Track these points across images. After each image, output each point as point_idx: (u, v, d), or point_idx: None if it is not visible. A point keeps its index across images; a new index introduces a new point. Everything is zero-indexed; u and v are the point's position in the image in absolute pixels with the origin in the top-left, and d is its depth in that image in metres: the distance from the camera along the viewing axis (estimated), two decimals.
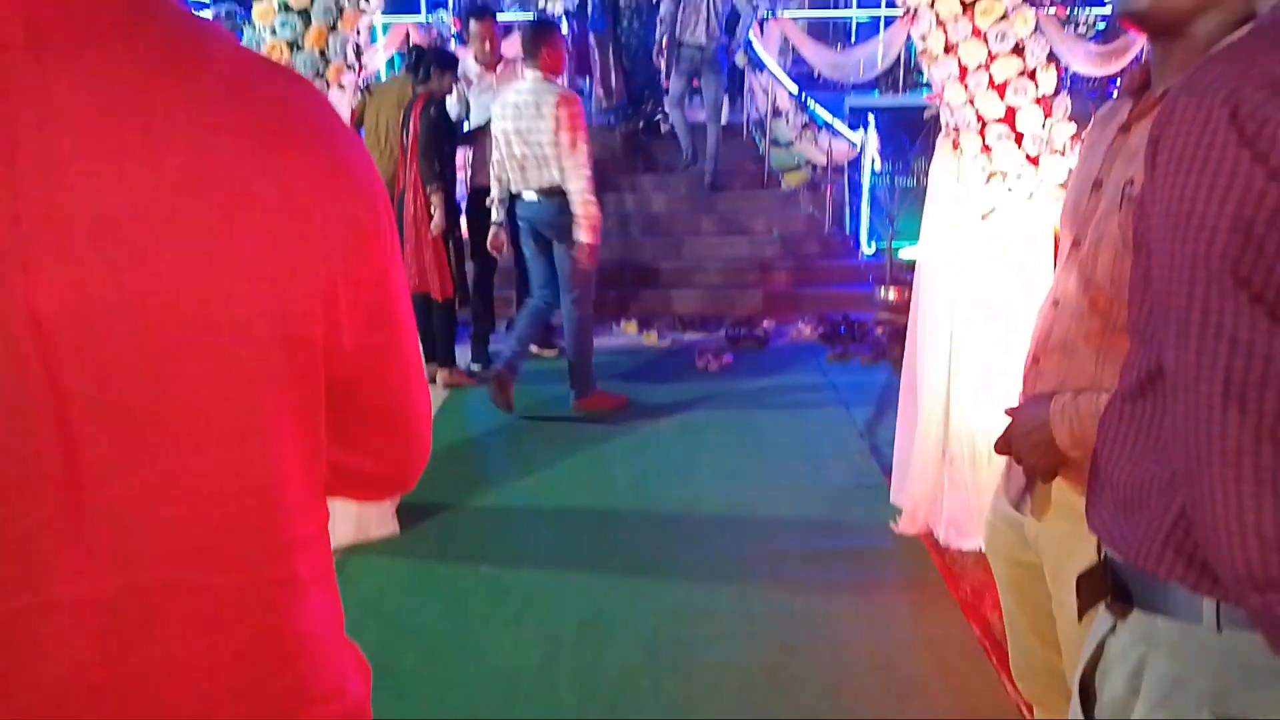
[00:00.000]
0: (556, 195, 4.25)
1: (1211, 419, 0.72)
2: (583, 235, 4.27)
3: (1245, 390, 0.70)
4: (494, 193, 4.59)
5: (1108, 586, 0.96)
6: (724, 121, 7.75)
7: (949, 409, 3.17)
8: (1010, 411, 1.45)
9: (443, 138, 4.76)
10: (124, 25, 0.58)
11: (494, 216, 4.65)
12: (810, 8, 11.52)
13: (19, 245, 0.54)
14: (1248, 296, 0.69)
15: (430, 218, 4.71)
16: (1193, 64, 1.08)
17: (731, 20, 7.16)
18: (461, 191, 5.53)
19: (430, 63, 4.80)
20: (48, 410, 0.56)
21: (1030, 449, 1.35)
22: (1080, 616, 1.02)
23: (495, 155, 4.45)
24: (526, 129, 4.21)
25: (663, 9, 7.12)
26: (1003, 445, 1.43)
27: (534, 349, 5.63)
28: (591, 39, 7.97)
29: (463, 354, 5.51)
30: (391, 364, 0.75)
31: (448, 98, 5.10)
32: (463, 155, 5.44)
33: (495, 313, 5.57)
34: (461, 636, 2.72)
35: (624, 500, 3.68)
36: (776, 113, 7.88)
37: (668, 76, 7.44)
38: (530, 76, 4.25)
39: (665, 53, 7.22)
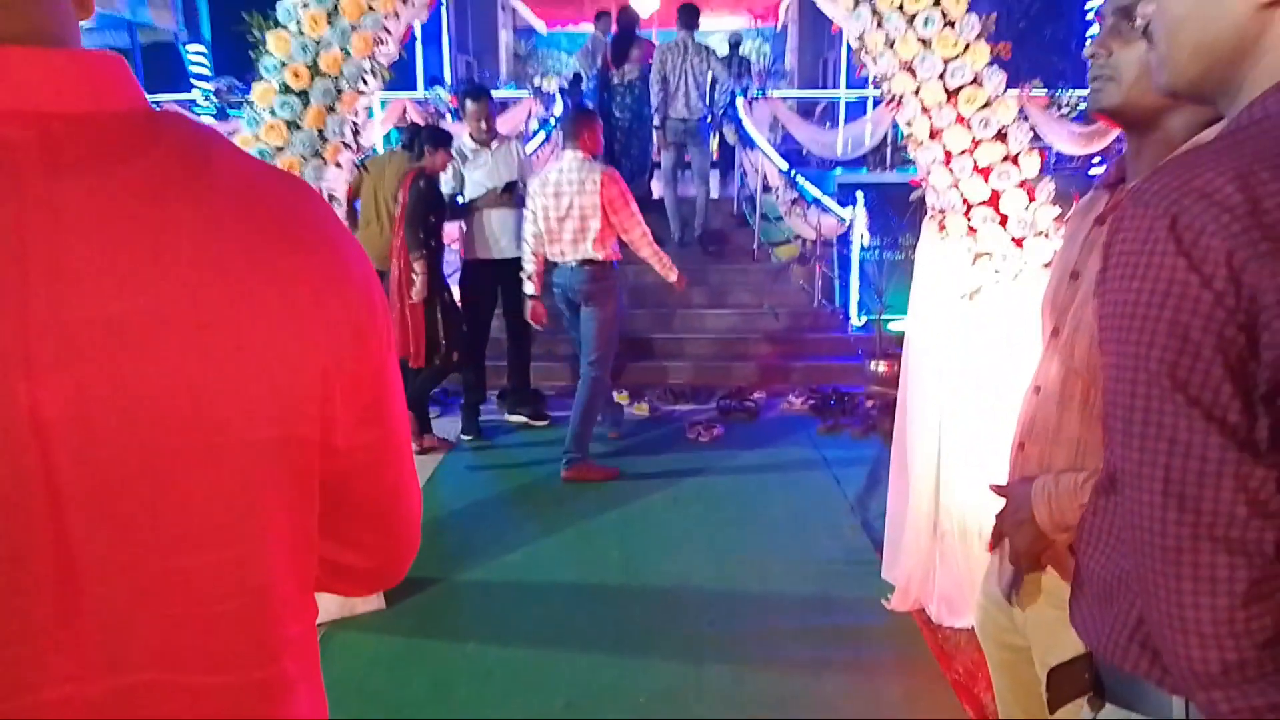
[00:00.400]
0: (590, 265, 4.54)
1: (1153, 516, 0.74)
2: (670, 275, 4.84)
3: (1184, 489, 0.72)
4: (528, 267, 4.78)
5: (1089, 681, 0.96)
6: (715, 195, 7.91)
7: (939, 485, 3.17)
8: (995, 489, 1.46)
9: (430, 209, 4.83)
10: (134, 142, 0.60)
11: (528, 290, 4.85)
12: (799, 88, 11.86)
13: (24, 351, 0.55)
14: (1185, 399, 0.72)
15: (413, 284, 4.75)
16: (1164, 158, 1.15)
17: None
18: (454, 262, 5.59)
19: (425, 140, 4.91)
20: (44, 512, 0.56)
21: (1014, 530, 1.37)
22: (1052, 710, 1.02)
23: (532, 229, 4.67)
24: (569, 204, 4.49)
25: (652, 86, 7.41)
26: (994, 538, 1.45)
27: (525, 419, 5.64)
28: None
29: (453, 424, 5.51)
30: (384, 460, 0.76)
31: (441, 174, 5.21)
32: (456, 228, 5.51)
33: (487, 383, 5.58)
34: (447, 716, 2.66)
35: (613, 575, 3.64)
36: (766, 188, 8.03)
37: (659, 150, 7.73)
38: (570, 156, 4.53)
39: (660, 128, 7.54)
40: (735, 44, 10.37)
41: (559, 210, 4.51)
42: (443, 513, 4.30)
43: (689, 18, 7.23)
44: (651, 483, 4.64)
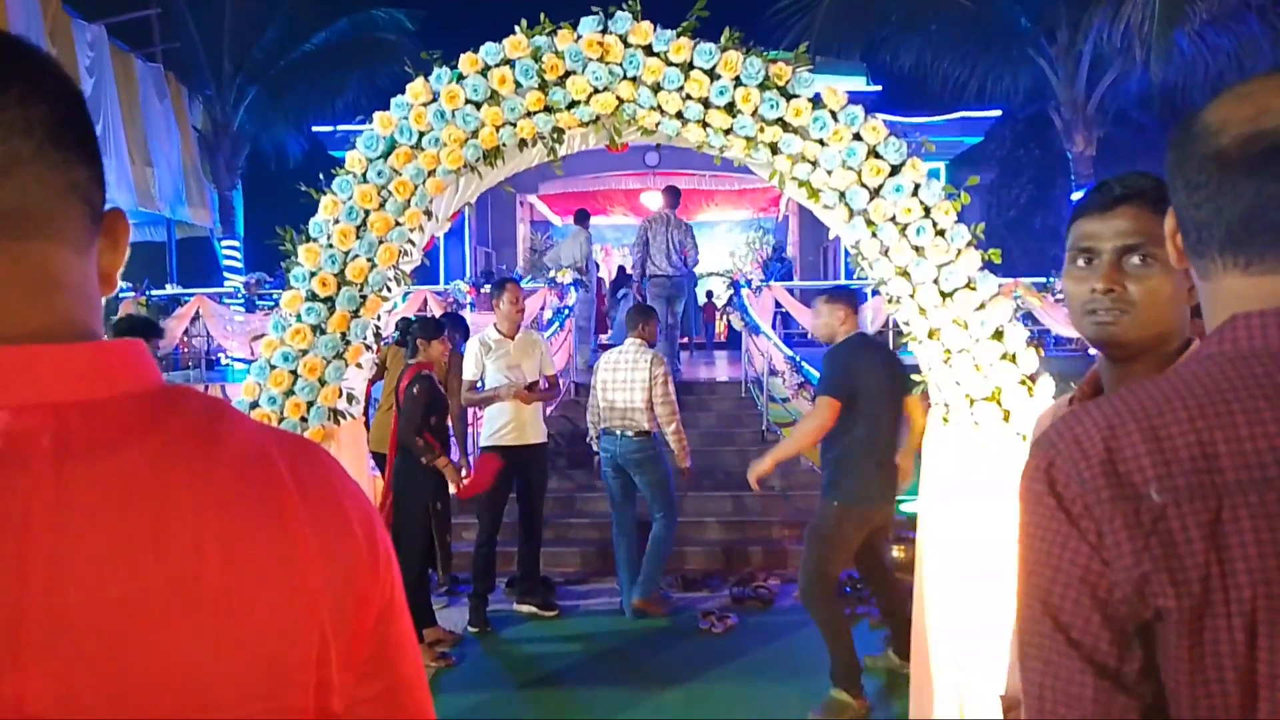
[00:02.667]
0: (640, 436, 5.28)
1: None
2: (683, 461, 5.45)
3: (1055, 711, 0.78)
4: (592, 431, 5.55)
5: None
6: (724, 378, 8.09)
7: (962, 685, 3.07)
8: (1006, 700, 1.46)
9: (428, 412, 4.75)
10: (144, 422, 0.64)
11: (596, 448, 5.58)
12: (801, 275, 12.33)
13: (16, 645, 0.56)
14: (1053, 624, 0.78)
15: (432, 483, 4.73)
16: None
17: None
18: (470, 448, 5.65)
19: (417, 333, 4.86)
20: None
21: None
22: None
23: (593, 400, 5.45)
24: (625, 380, 5.30)
25: (636, 249, 8.60)
26: None
27: (534, 609, 5.52)
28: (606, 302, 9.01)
29: (460, 614, 5.39)
30: (393, 711, 0.75)
31: (465, 360, 5.33)
32: (472, 415, 5.60)
33: (495, 571, 5.50)
34: None
35: None
36: (773, 371, 8.20)
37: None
38: (631, 343, 5.43)
39: (639, 282, 8.71)
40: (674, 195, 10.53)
41: (615, 384, 5.30)
42: (443, 716, 4.15)
43: (672, 197, 8.72)
44: (665, 678, 4.48)
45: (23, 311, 0.62)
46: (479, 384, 5.46)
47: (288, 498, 0.67)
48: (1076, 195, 12.17)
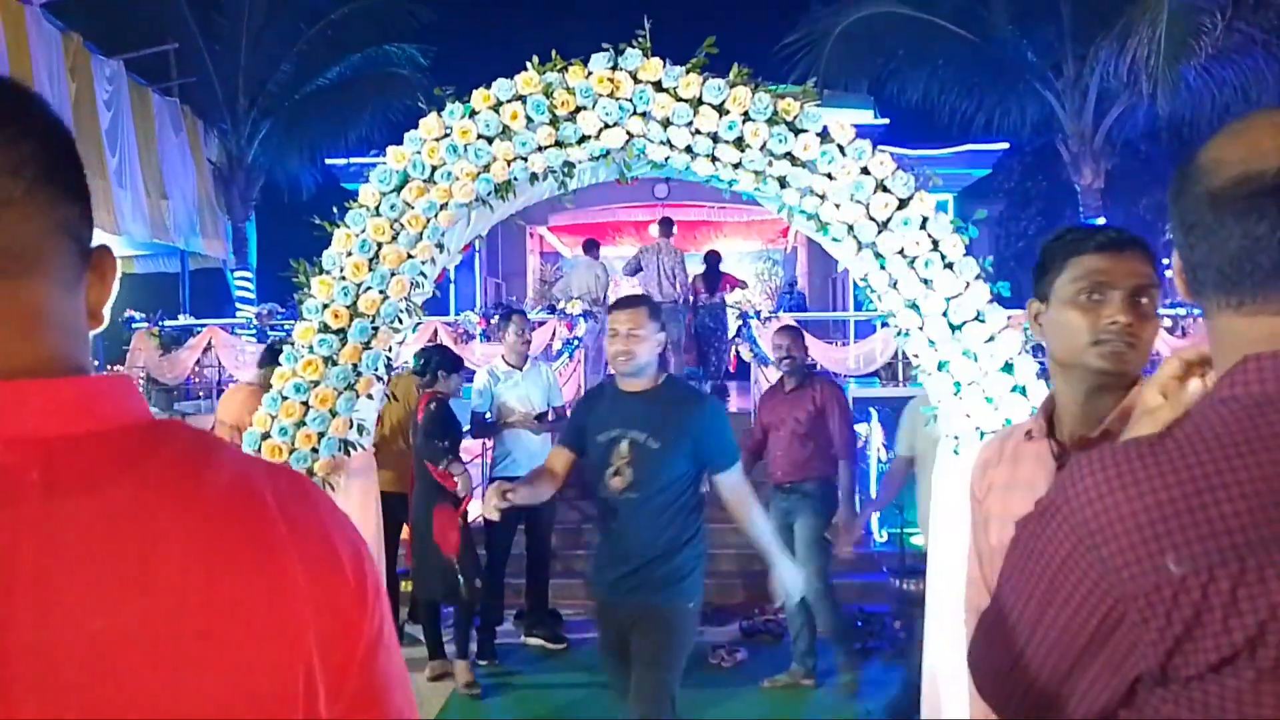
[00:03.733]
0: None
1: None
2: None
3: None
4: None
5: None
6: (733, 409, 8.11)
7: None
8: None
9: (445, 429, 4.78)
10: (132, 458, 0.65)
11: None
12: (810, 306, 12.34)
13: (3, 678, 0.56)
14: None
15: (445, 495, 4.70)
16: (1105, 414, 1.44)
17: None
18: (479, 480, 5.64)
19: (437, 366, 4.90)
20: None
21: None
22: None
23: None
24: None
25: (634, 276, 9.07)
26: None
27: (541, 642, 5.48)
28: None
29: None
30: None
31: (473, 390, 5.34)
32: (480, 446, 5.60)
33: (503, 604, 5.47)
34: None
35: None
36: None
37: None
38: None
39: None
40: (714, 261, 10.77)
41: None
42: None
43: (665, 227, 9.30)
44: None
45: (12, 347, 0.64)
46: (487, 416, 5.47)
47: (274, 530, 0.68)
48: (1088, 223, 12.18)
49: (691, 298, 9.69)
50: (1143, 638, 0.74)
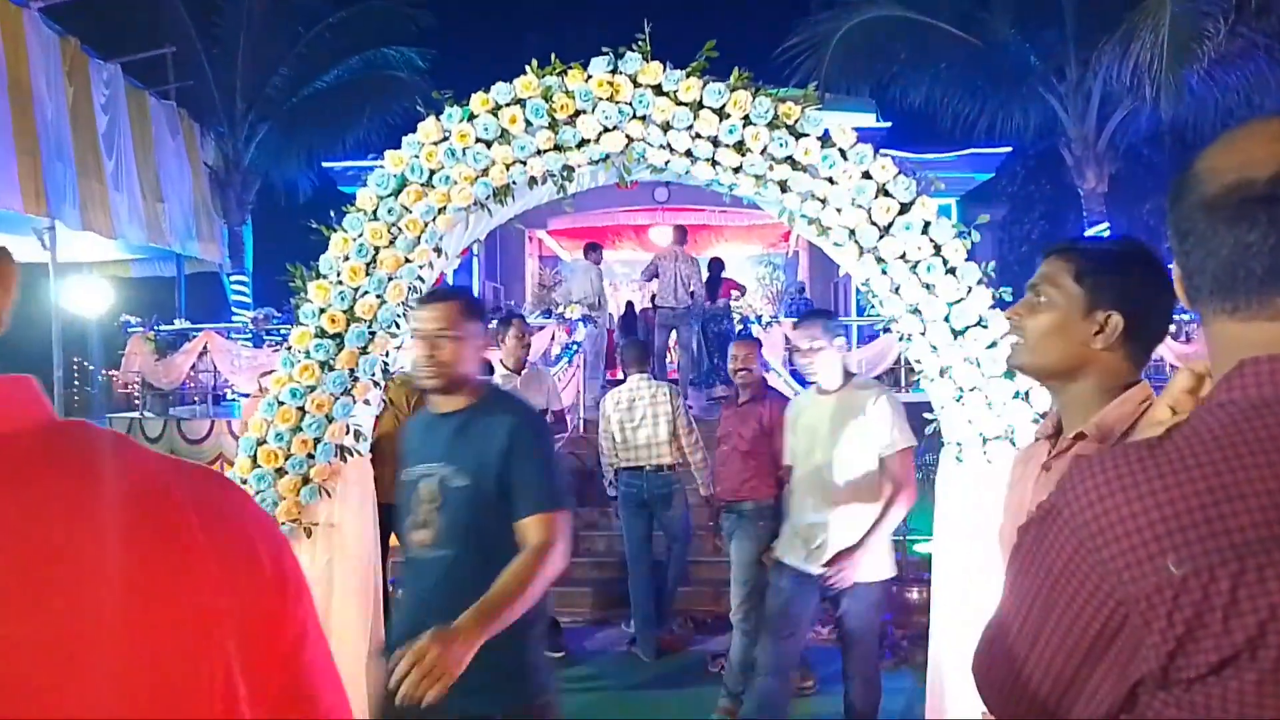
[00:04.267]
0: (668, 471, 5.24)
1: None
2: (707, 490, 5.18)
3: None
4: (609, 474, 5.50)
5: None
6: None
7: None
8: None
9: None
10: (40, 459, 0.64)
11: (610, 492, 5.57)
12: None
13: None
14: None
15: None
16: (1083, 412, 1.44)
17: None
18: None
19: None
20: None
21: None
22: None
23: (607, 442, 5.36)
24: (645, 415, 5.23)
25: (651, 284, 9.54)
26: None
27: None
28: (615, 335, 10.57)
29: None
30: None
31: None
32: None
33: None
34: None
35: None
36: None
37: (652, 333, 9.77)
38: (638, 379, 5.37)
39: (651, 315, 9.72)
40: (717, 269, 10.98)
41: (634, 421, 5.23)
42: None
43: (680, 235, 9.71)
44: None
45: None
46: None
47: (186, 526, 0.67)
48: (1088, 232, 12.15)
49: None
50: (1145, 640, 0.75)
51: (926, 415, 3.40)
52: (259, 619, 0.69)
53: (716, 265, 10.53)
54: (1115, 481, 0.78)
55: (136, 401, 8.99)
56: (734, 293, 10.47)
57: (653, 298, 9.56)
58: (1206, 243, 0.82)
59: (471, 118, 3.24)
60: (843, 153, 3.13)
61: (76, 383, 11.06)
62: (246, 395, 8.05)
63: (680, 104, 3.14)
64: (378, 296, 3.21)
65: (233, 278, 12.08)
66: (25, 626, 0.59)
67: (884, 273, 3.12)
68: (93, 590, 0.61)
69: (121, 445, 0.70)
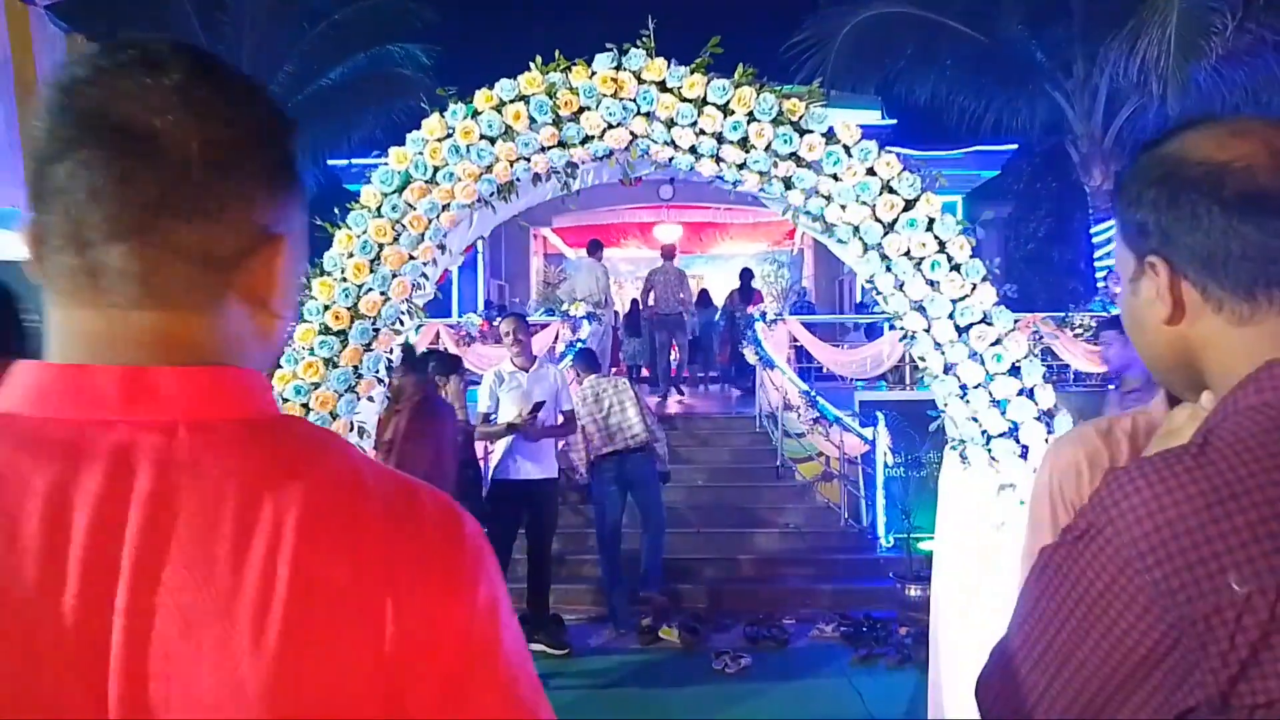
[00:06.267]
0: (644, 449, 5.78)
1: None
2: (663, 466, 6.17)
3: None
4: (582, 469, 6.11)
5: None
6: (735, 412, 8.12)
7: None
8: None
9: (428, 421, 4.66)
10: (246, 448, 0.67)
11: (583, 481, 6.22)
12: (817, 308, 12.30)
13: (104, 632, 0.61)
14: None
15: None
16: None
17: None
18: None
19: (437, 370, 4.85)
20: None
21: None
22: None
23: (583, 433, 5.80)
24: (614, 403, 5.79)
25: (647, 293, 10.62)
26: None
27: (543, 648, 5.43)
28: (620, 334, 11.45)
29: None
30: None
31: (479, 393, 5.31)
32: (483, 448, 5.56)
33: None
34: None
35: None
36: (788, 406, 8.14)
37: (653, 332, 10.86)
38: (598, 378, 6.04)
39: (649, 319, 10.75)
40: (748, 278, 11.61)
41: (605, 409, 5.76)
42: None
43: (668, 252, 11.10)
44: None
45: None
46: (491, 417, 5.43)
47: (370, 530, 0.67)
48: (1095, 229, 12.09)
49: (695, 310, 11.51)
50: (1200, 664, 0.69)
51: (930, 413, 3.40)
52: (432, 635, 0.68)
53: (747, 275, 11.73)
54: (1166, 496, 0.72)
55: None
56: (760, 302, 11.45)
57: (645, 306, 11.00)
58: (1226, 238, 0.78)
59: (475, 114, 3.24)
60: (847, 149, 3.12)
61: None
62: None
63: (684, 100, 3.13)
64: (382, 293, 3.21)
65: None
66: (203, 596, 0.62)
67: (888, 269, 3.11)
68: (267, 576, 0.63)
69: (332, 444, 0.72)
